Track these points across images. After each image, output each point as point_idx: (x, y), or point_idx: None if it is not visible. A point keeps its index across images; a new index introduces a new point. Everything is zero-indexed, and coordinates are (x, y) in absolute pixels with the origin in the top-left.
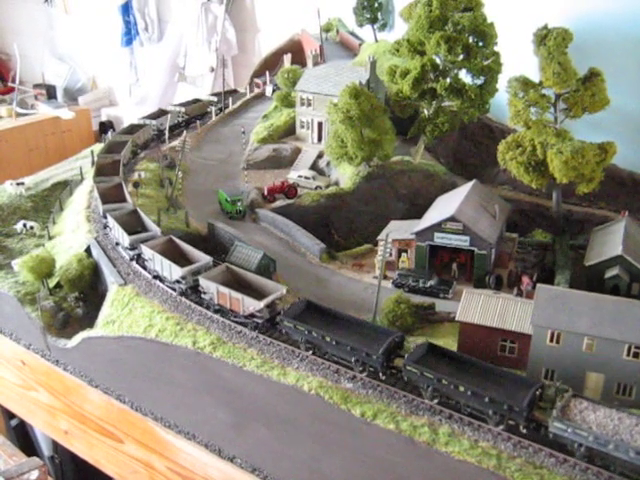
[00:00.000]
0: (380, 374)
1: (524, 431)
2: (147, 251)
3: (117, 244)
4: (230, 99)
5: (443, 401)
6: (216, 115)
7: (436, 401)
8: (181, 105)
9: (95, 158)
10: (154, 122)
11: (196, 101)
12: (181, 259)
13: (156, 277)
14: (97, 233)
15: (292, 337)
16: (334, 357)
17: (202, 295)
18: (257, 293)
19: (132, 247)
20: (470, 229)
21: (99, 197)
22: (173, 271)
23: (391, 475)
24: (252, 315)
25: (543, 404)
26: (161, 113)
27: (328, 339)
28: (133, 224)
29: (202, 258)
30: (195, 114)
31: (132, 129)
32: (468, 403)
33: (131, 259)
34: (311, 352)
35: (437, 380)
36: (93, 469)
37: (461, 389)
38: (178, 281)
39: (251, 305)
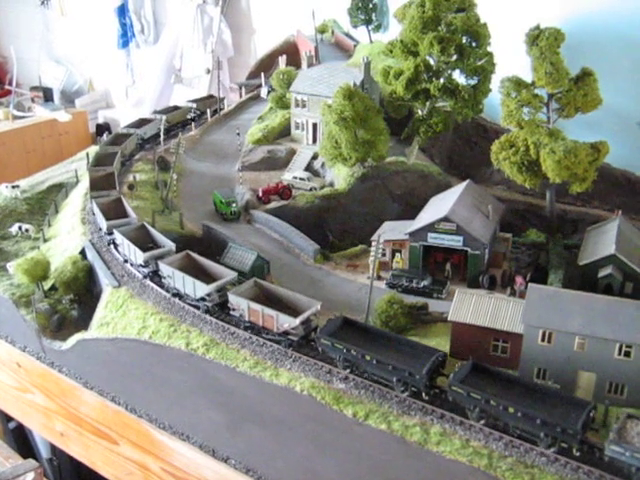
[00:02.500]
0: (423, 394)
1: (577, 454)
2: (165, 268)
3: (125, 261)
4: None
5: (490, 422)
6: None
7: (482, 422)
8: (161, 112)
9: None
10: (138, 131)
11: (175, 108)
12: (200, 274)
13: (175, 295)
14: (92, 235)
15: (329, 355)
16: (374, 376)
17: (231, 312)
18: (289, 309)
19: (145, 264)
20: (463, 229)
21: (100, 213)
22: (197, 288)
23: (383, 475)
24: (286, 332)
25: None
26: (142, 122)
27: (368, 358)
28: (143, 240)
29: (225, 273)
30: (176, 122)
31: (117, 139)
32: (518, 425)
33: (145, 277)
34: (348, 370)
35: (485, 401)
36: (91, 471)
37: (511, 410)
38: (203, 299)
39: (286, 322)
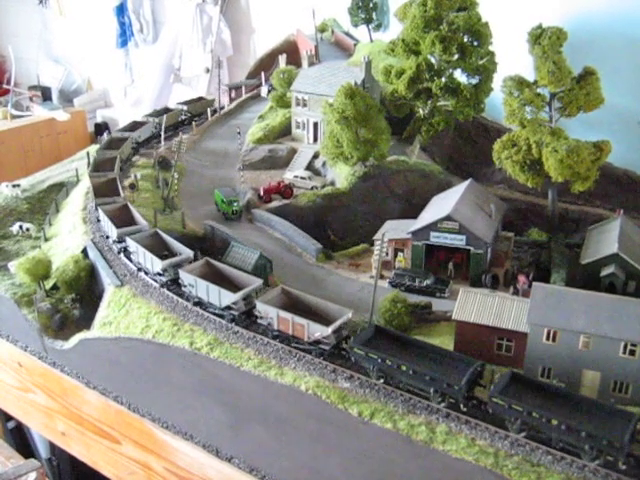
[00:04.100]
0: (461, 406)
1: (623, 467)
2: (187, 277)
3: (139, 270)
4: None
5: (531, 434)
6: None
7: (523, 434)
8: (153, 115)
9: (90, 160)
10: (133, 134)
11: (167, 110)
12: (222, 282)
13: (197, 304)
14: (93, 235)
15: (362, 365)
16: (409, 387)
17: (258, 320)
18: (318, 317)
19: (163, 272)
20: (466, 228)
21: (110, 221)
22: (223, 297)
23: (389, 474)
24: (317, 342)
25: None
26: (135, 125)
27: (404, 368)
28: (157, 247)
29: (249, 280)
30: (169, 124)
31: (112, 143)
32: (561, 437)
33: (162, 286)
34: (382, 380)
35: (527, 413)
36: (91, 471)
37: (554, 422)
38: (229, 307)
39: (317, 331)
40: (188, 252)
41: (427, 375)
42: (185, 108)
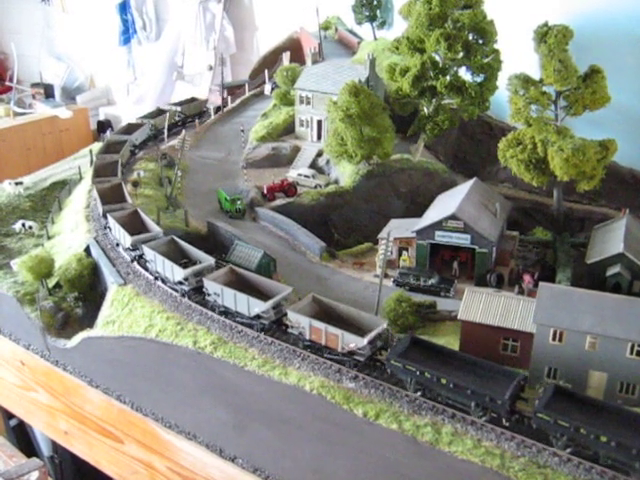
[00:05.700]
0: (503, 420)
1: None
2: (212, 285)
3: (156, 279)
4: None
5: (577, 451)
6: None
7: (569, 451)
8: (147, 117)
9: (94, 159)
10: (131, 137)
11: (160, 112)
12: (247, 290)
13: (223, 313)
14: (96, 233)
15: (399, 377)
16: (448, 400)
17: (289, 330)
18: (351, 326)
19: (185, 280)
20: (471, 227)
21: (122, 228)
22: (252, 306)
23: (394, 475)
24: (351, 352)
25: None
26: (130, 127)
27: (444, 382)
28: (174, 254)
29: (278, 288)
30: (163, 125)
31: (110, 147)
32: (610, 455)
33: (183, 295)
34: (420, 393)
35: (574, 429)
36: (93, 469)
37: (603, 439)
38: (258, 316)
39: (352, 342)
40: (209, 259)
41: (469, 389)
42: (179, 109)
